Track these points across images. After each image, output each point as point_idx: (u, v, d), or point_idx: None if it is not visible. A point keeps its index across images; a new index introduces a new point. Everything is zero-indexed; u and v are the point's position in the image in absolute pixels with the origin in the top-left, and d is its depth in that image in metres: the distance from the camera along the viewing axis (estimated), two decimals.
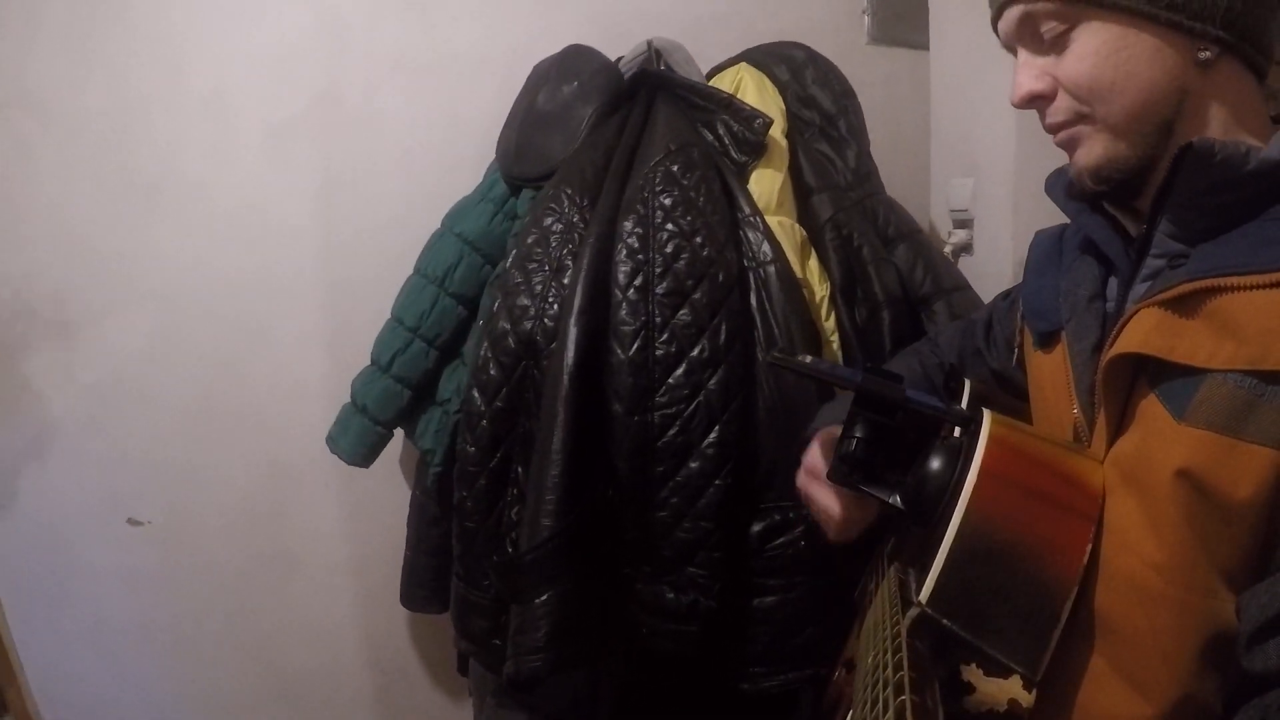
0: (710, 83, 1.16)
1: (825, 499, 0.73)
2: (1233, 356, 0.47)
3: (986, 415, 0.58)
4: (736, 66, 1.17)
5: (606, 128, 1.11)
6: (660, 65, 1.20)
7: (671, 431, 0.88)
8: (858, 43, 1.52)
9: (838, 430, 0.69)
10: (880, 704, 0.46)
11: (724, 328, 0.93)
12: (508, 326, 0.97)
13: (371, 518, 1.57)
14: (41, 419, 1.40)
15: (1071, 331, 0.63)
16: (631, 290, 0.90)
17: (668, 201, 0.95)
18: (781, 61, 1.16)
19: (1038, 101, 0.58)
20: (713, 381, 0.91)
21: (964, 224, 1.38)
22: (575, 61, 1.18)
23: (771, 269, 0.97)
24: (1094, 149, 0.57)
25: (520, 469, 0.94)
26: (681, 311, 0.90)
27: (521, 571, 0.85)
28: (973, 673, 0.52)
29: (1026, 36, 0.58)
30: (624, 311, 0.90)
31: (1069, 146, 0.59)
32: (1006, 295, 0.86)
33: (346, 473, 1.52)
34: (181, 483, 1.48)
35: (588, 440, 0.87)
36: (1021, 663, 0.48)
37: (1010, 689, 0.51)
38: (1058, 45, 0.56)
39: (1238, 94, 0.55)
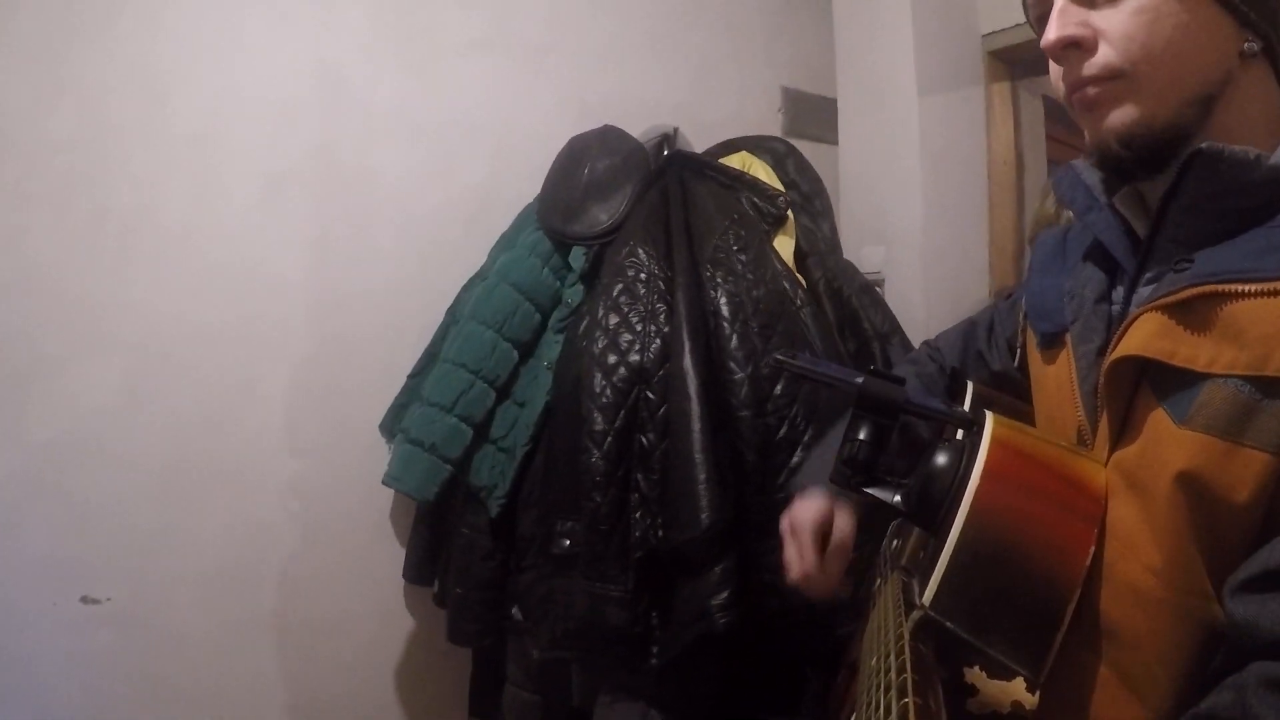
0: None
1: (790, 553, 0.83)
2: (1233, 362, 0.50)
3: (989, 417, 0.61)
4: (740, 154, 1.54)
5: (649, 198, 1.42)
6: (669, 148, 1.54)
7: (784, 430, 1.20)
8: (775, 135, 1.96)
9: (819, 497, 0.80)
10: (883, 706, 0.48)
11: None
12: (616, 359, 1.23)
13: (359, 573, 1.63)
14: None
15: (1077, 333, 0.66)
16: (737, 323, 1.22)
17: (744, 258, 1.29)
18: (767, 152, 1.56)
19: (1071, 51, 0.59)
20: (803, 390, 1.24)
21: (877, 283, 1.85)
22: (615, 140, 1.48)
23: (807, 310, 1.33)
24: (1127, 110, 0.58)
25: (640, 476, 1.19)
26: (773, 340, 1.22)
27: (702, 545, 1.09)
28: (976, 675, 0.55)
29: None
30: (735, 341, 1.22)
31: (1094, 106, 0.60)
32: (1009, 296, 0.91)
33: (332, 530, 1.60)
34: (146, 552, 1.44)
35: (721, 442, 1.15)
36: (1025, 665, 0.50)
37: (1013, 691, 0.54)
38: None
39: (1266, 95, 0.59)
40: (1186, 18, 0.56)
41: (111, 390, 1.40)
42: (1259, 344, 0.49)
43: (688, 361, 1.19)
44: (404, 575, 1.63)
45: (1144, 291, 0.61)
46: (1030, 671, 0.51)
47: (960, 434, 0.64)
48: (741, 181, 1.44)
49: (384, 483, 1.40)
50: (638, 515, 1.18)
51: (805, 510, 0.82)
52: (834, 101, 1.96)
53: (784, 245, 1.42)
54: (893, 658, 0.53)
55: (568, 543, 1.25)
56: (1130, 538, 0.55)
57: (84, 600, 1.39)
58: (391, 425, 1.62)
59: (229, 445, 1.51)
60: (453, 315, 1.61)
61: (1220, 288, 0.51)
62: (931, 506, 0.57)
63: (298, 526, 1.58)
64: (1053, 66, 0.63)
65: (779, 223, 1.42)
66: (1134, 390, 0.57)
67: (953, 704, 0.52)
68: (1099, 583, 0.55)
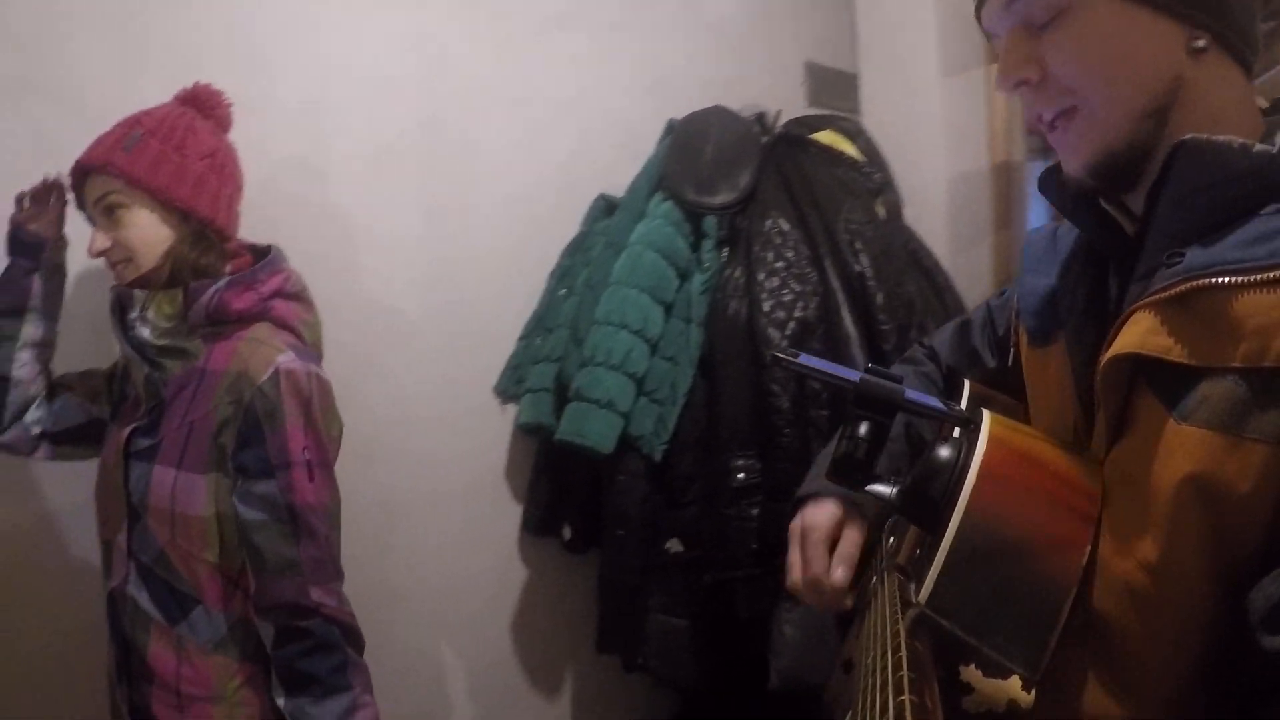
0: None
1: (794, 556, 0.92)
2: (1231, 354, 0.55)
3: (986, 416, 0.68)
4: (826, 131, 1.97)
5: (767, 173, 1.83)
6: (764, 127, 1.96)
7: None
8: (800, 105, 2.42)
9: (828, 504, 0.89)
10: (879, 704, 0.53)
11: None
12: (785, 315, 1.66)
13: (477, 534, 1.94)
14: None
15: (1070, 332, 0.73)
16: (881, 283, 1.68)
17: (872, 228, 1.74)
18: (841, 130, 2.02)
19: (1023, 89, 0.66)
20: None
21: None
22: (730, 119, 1.89)
23: (913, 270, 1.81)
24: (1087, 142, 0.65)
25: (814, 413, 1.62)
26: (903, 296, 1.69)
27: None
28: (972, 673, 0.60)
29: (1015, 17, 0.66)
30: (880, 298, 1.68)
31: (1062, 142, 0.68)
32: (1002, 294, 1.00)
33: (450, 494, 1.89)
34: None
35: None
36: (1021, 663, 0.56)
37: (1009, 690, 0.59)
38: (1048, 28, 0.64)
39: (1228, 86, 0.64)
40: (1122, 36, 0.62)
41: None
42: (1255, 336, 0.54)
43: (848, 316, 1.65)
44: (525, 528, 1.96)
45: (1136, 288, 0.66)
46: (1026, 670, 0.56)
47: (957, 432, 0.70)
48: (840, 159, 1.89)
49: (558, 440, 1.72)
50: (814, 445, 1.62)
51: (817, 516, 0.91)
52: (851, 75, 2.44)
53: (879, 214, 1.88)
54: (889, 655, 0.58)
55: (742, 476, 1.66)
56: (1126, 535, 0.61)
57: None
58: (507, 386, 1.92)
59: (355, 420, 1.69)
60: (562, 281, 1.94)
61: (1213, 280, 0.57)
62: (928, 504, 0.64)
63: (420, 494, 1.85)
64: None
65: (875, 196, 1.88)
66: (1130, 387, 0.63)
67: (949, 702, 0.56)
68: (1093, 580, 0.61)
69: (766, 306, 1.67)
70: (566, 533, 1.92)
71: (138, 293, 1.21)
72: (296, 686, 1.16)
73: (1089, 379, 0.68)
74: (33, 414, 1.27)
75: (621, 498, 1.78)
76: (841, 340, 1.64)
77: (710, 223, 1.81)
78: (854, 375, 0.72)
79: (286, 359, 1.18)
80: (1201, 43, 0.62)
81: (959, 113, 2.25)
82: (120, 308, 1.24)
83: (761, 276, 1.70)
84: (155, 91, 1.34)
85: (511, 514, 1.99)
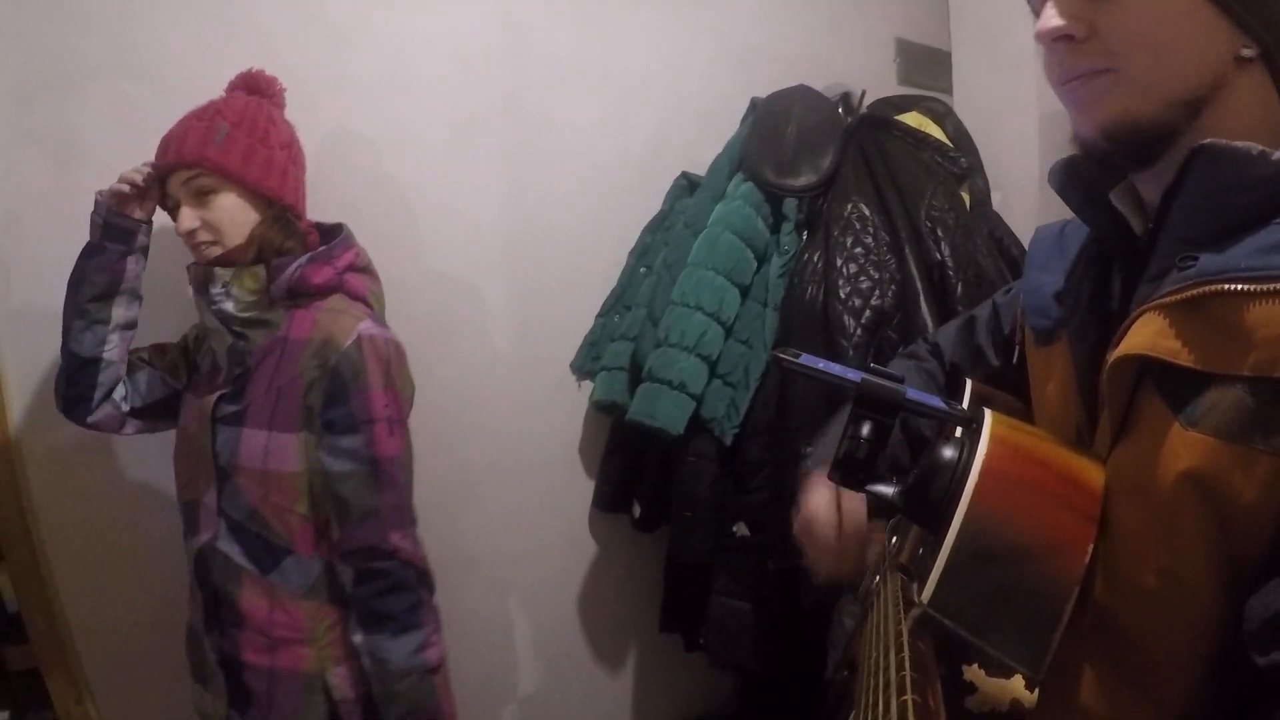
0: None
1: (811, 552, 0.95)
2: (1241, 362, 0.56)
3: (988, 415, 0.68)
4: (912, 113, 1.94)
5: (849, 155, 1.81)
6: (847, 107, 1.93)
7: None
8: (890, 84, 2.38)
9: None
10: (882, 704, 0.54)
11: None
12: (862, 303, 1.65)
13: (549, 506, 1.99)
14: None
15: (1074, 330, 0.74)
16: (960, 273, 1.66)
17: (955, 216, 1.71)
18: (928, 112, 1.98)
19: (1063, 42, 0.66)
20: None
21: None
22: (815, 99, 1.87)
23: (994, 261, 1.78)
24: (1114, 102, 0.65)
25: None
26: (983, 288, 1.66)
27: None
28: (975, 672, 0.61)
29: None
30: (960, 290, 1.66)
31: (1082, 96, 0.67)
32: (1008, 291, 1.02)
33: (525, 466, 1.94)
34: None
35: None
36: (1024, 663, 0.57)
37: (1012, 689, 0.60)
38: None
39: (1264, 102, 0.65)
40: (1182, 19, 0.62)
41: None
42: (1267, 345, 0.55)
43: (925, 307, 1.63)
44: (596, 504, 2.01)
45: (1145, 289, 0.66)
46: (1029, 669, 0.57)
47: (960, 432, 0.70)
48: (926, 143, 1.86)
49: (629, 419, 1.76)
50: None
51: (816, 503, 0.94)
52: (944, 53, 2.39)
53: (964, 200, 1.85)
54: (892, 655, 0.58)
55: None
56: (1132, 538, 0.62)
57: None
58: (584, 363, 1.96)
59: (431, 393, 1.69)
60: (643, 259, 1.97)
61: (1226, 287, 0.57)
62: (930, 504, 0.65)
63: (494, 466, 1.91)
64: (1045, 51, 0.70)
65: (960, 181, 1.85)
66: (1135, 389, 0.64)
67: (952, 702, 0.57)
68: (1103, 583, 0.62)
69: (843, 294, 1.67)
70: (636, 510, 1.96)
71: (219, 270, 1.30)
72: (373, 624, 1.27)
73: (1091, 378, 0.69)
74: (120, 391, 1.36)
75: (691, 479, 1.81)
76: (918, 330, 1.63)
77: (790, 205, 1.81)
78: (855, 376, 0.73)
79: (367, 326, 1.30)
80: (1249, 52, 0.63)
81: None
82: (202, 284, 1.33)
83: (839, 262, 1.69)
84: (236, 69, 1.39)
85: (583, 489, 2.05)
